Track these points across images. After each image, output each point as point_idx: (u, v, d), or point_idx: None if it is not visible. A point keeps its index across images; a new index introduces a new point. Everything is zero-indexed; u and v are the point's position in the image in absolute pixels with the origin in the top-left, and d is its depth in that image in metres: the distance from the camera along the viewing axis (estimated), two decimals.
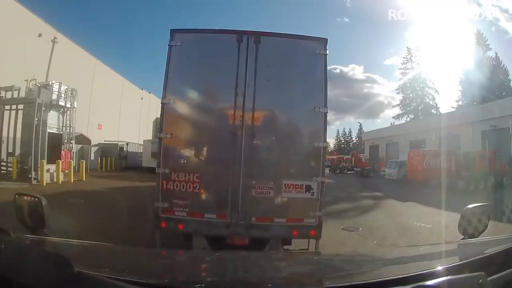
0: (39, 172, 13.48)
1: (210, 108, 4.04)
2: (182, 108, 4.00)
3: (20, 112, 14.42)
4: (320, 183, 3.91)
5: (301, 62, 4.14)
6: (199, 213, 3.83)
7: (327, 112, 4.01)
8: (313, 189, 3.89)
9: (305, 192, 3.88)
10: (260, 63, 3.95)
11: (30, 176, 13.54)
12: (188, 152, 4.02)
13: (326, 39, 4.11)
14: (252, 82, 3.92)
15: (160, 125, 4.04)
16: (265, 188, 3.87)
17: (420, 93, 44.76)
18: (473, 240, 1.79)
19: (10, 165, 14.44)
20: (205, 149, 4.06)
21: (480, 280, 0.91)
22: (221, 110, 4.10)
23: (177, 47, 4.00)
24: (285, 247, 4.21)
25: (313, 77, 4.11)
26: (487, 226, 1.87)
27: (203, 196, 3.90)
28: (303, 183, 3.89)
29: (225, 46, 4.08)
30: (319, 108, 3.97)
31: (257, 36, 4.00)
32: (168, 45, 4.01)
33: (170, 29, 4.04)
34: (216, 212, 3.83)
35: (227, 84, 3.96)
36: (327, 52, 4.06)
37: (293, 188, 3.88)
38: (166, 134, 3.94)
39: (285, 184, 3.88)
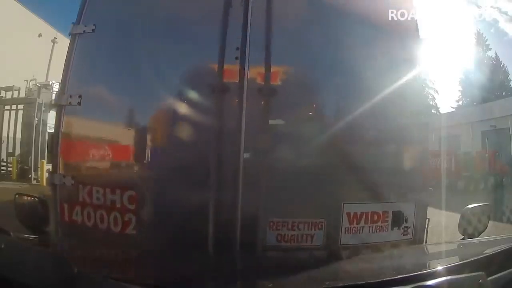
0: (39, 172, 13.45)
1: (169, 38, 1.90)
2: (110, 41, 1.93)
3: (20, 112, 14.40)
4: (421, 208, 1.90)
5: None
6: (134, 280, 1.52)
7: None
8: (406, 221, 1.85)
9: (392, 228, 1.84)
10: None
11: (30, 176, 13.53)
12: (116, 139, 1.92)
13: None
14: None
15: (62, 78, 1.95)
16: (298, 226, 1.70)
17: None
18: (473, 240, 1.80)
19: (10, 165, 14.42)
20: (154, 134, 1.88)
21: (480, 280, 0.92)
22: (191, 44, 1.88)
23: None
24: None
25: None
26: (487, 226, 1.88)
27: (144, 243, 1.83)
28: (386, 209, 1.81)
29: None
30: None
31: None
32: None
33: None
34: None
35: None
36: None
37: (365, 220, 1.78)
38: (71, 96, 1.84)
39: (347, 214, 1.75)
